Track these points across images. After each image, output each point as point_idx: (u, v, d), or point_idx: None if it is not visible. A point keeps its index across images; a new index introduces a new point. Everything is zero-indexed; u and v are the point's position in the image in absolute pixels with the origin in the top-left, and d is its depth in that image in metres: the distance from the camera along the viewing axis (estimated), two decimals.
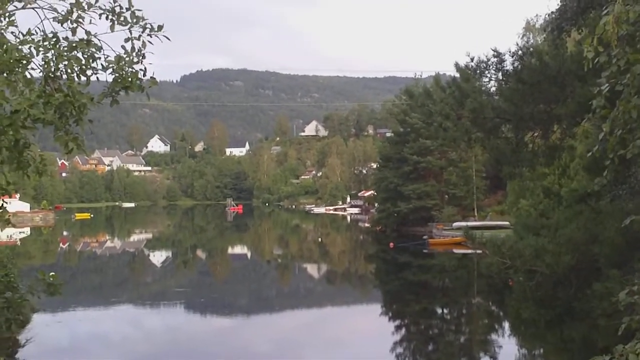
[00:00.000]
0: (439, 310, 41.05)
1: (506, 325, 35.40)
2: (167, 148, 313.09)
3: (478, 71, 21.62)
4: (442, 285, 50.86)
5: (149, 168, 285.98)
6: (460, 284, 49.87)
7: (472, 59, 21.45)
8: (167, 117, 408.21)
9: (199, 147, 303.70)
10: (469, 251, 61.50)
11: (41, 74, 8.14)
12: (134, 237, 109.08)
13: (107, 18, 8.28)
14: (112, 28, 8.27)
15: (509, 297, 37.90)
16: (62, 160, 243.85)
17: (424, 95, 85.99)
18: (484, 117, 21.12)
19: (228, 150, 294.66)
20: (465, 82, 21.26)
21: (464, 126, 21.22)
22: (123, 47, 8.28)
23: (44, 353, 27.59)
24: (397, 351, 29.49)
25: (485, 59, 21.39)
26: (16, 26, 8.68)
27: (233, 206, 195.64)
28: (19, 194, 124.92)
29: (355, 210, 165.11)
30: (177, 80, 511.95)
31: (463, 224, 74.39)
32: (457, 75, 23.63)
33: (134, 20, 8.24)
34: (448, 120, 21.54)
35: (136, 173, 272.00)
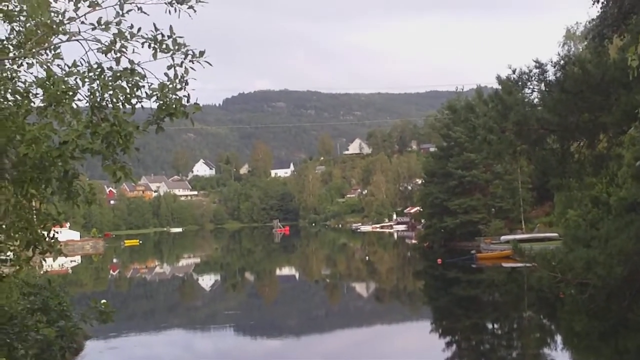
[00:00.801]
0: (490, 325, 40.67)
1: (559, 338, 34.92)
2: (213, 172, 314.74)
3: (520, 83, 21.46)
4: (492, 299, 50.44)
5: (195, 192, 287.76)
6: (511, 298, 49.35)
7: (513, 71, 21.33)
8: (211, 141, 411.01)
9: (243, 170, 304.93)
10: (518, 264, 60.82)
11: (87, 104, 8.28)
12: (183, 262, 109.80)
13: (149, 46, 8.40)
14: (154, 56, 8.39)
15: (560, 310, 37.41)
16: (110, 188, 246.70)
17: (467, 109, 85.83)
18: (528, 129, 20.91)
19: (273, 172, 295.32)
20: (507, 94, 21.08)
21: (508, 139, 21.05)
22: (166, 74, 8.38)
23: None
24: None
25: (527, 70, 21.23)
26: (62, 59, 8.88)
27: (280, 227, 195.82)
28: (69, 223, 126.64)
29: (402, 227, 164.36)
30: (219, 104, 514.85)
31: (511, 237, 73.57)
32: (499, 87, 23.52)
33: (176, 48, 8.35)
34: (492, 134, 21.37)
35: (183, 198, 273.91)
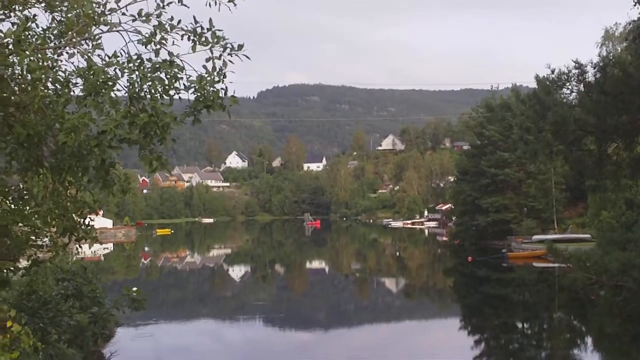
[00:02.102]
0: (519, 325, 40.42)
1: (589, 340, 34.61)
2: (245, 164, 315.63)
3: (559, 83, 21.29)
4: (522, 299, 50.13)
5: (228, 184, 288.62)
6: (541, 298, 49.04)
7: (552, 71, 21.17)
8: (244, 133, 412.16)
9: (276, 163, 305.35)
10: (549, 265, 60.51)
11: (126, 95, 8.34)
12: (214, 252, 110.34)
13: (188, 39, 8.44)
14: (193, 48, 8.43)
15: (591, 311, 37.11)
16: (143, 177, 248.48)
17: (503, 108, 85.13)
18: (565, 130, 20.74)
19: (305, 165, 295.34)
20: (545, 94, 20.89)
21: (546, 139, 20.90)
22: (204, 66, 8.41)
23: None
24: None
25: (566, 71, 21.05)
26: (102, 49, 8.95)
27: (311, 221, 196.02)
28: (102, 211, 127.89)
29: (433, 224, 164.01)
30: (254, 97, 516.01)
31: (543, 236, 73.19)
32: (536, 87, 23.31)
33: (215, 40, 8.38)
34: (529, 133, 21.25)
35: (215, 189, 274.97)
